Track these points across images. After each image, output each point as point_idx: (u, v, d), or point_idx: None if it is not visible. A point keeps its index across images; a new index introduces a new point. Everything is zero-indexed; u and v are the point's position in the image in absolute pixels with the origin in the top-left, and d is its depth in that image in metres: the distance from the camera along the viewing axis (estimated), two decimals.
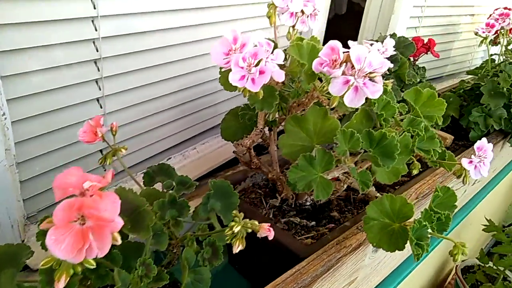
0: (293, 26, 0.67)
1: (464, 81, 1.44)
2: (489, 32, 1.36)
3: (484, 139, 0.72)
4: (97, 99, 0.79)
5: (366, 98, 0.53)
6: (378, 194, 0.70)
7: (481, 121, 1.10)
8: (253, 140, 0.72)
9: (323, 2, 1.28)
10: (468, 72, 1.44)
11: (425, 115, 0.72)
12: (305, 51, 0.57)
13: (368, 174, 0.62)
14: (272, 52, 0.50)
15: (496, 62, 1.45)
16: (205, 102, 1.04)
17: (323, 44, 1.47)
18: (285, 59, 0.62)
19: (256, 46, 0.49)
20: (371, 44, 0.88)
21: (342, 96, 0.49)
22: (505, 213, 2.86)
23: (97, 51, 0.74)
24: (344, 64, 0.49)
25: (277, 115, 0.73)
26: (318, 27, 0.66)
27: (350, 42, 0.82)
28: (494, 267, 1.95)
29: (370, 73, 0.49)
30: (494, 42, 1.56)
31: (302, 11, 0.64)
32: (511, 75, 1.06)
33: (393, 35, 1.10)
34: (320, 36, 1.37)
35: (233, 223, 0.51)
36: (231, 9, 0.96)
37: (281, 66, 0.63)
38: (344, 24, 1.85)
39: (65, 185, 0.33)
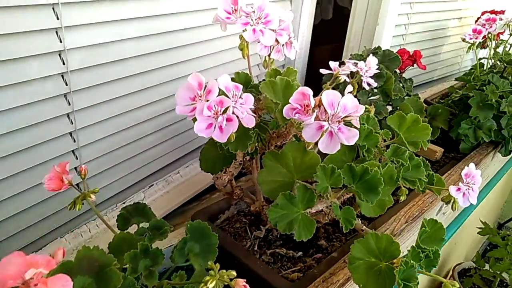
0: (269, 55, 0.64)
1: (453, 87, 1.42)
2: (476, 38, 1.34)
3: (471, 165, 0.69)
4: (70, 133, 0.76)
5: None
6: (363, 227, 0.68)
7: (470, 133, 1.07)
8: (233, 173, 0.69)
9: (308, 8, 1.26)
10: (457, 79, 1.42)
11: (409, 141, 0.69)
12: (279, 87, 0.54)
13: (352, 211, 0.59)
14: (240, 96, 0.47)
15: (486, 66, 1.43)
16: (186, 124, 1.01)
17: (310, 53, 1.44)
18: (260, 93, 0.59)
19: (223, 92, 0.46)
20: (355, 63, 0.85)
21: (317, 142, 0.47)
22: (500, 211, 2.86)
23: (67, 84, 0.71)
24: (317, 108, 0.46)
25: (257, 145, 0.70)
26: (294, 53, 0.63)
27: (331, 63, 0.80)
28: (491, 271, 1.94)
29: (346, 117, 0.46)
30: (483, 46, 1.54)
31: (277, 40, 0.61)
32: (499, 87, 1.03)
33: (377, 48, 1.08)
34: (306, 44, 1.34)
35: (208, 278, 0.48)
36: (207, 29, 0.92)
37: (257, 100, 0.60)
38: (332, 28, 1.82)
39: (3, 277, 0.29)
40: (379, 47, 1.08)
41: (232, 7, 0.54)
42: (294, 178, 0.62)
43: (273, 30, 0.61)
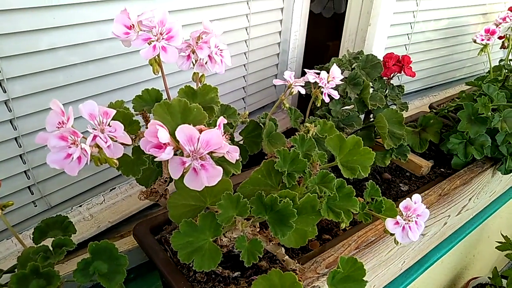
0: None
1: (464, 92, 1.30)
2: (488, 39, 1.20)
3: (416, 196, 0.62)
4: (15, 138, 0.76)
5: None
6: (286, 257, 0.63)
7: (460, 149, 0.97)
8: (157, 191, 0.66)
9: (301, 8, 1.20)
10: (467, 83, 1.29)
11: (347, 166, 0.63)
12: (176, 110, 0.50)
13: (259, 244, 0.55)
14: (109, 124, 0.44)
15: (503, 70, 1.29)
16: None
17: (321, 49, 1.39)
18: None
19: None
20: (316, 73, 0.80)
21: (181, 178, 0.43)
22: None
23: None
24: (174, 144, 0.42)
25: None
26: (221, 67, 0.59)
27: (285, 74, 0.74)
28: None
29: (211, 153, 0.42)
30: (503, 46, 1.39)
31: (193, 51, 0.57)
32: (493, 99, 0.92)
33: (360, 53, 0.99)
34: (301, 44, 1.28)
35: None
36: None
37: None
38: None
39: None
40: (361, 52, 0.99)
41: (130, 22, 0.50)
42: (207, 203, 0.59)
43: (189, 44, 0.57)
